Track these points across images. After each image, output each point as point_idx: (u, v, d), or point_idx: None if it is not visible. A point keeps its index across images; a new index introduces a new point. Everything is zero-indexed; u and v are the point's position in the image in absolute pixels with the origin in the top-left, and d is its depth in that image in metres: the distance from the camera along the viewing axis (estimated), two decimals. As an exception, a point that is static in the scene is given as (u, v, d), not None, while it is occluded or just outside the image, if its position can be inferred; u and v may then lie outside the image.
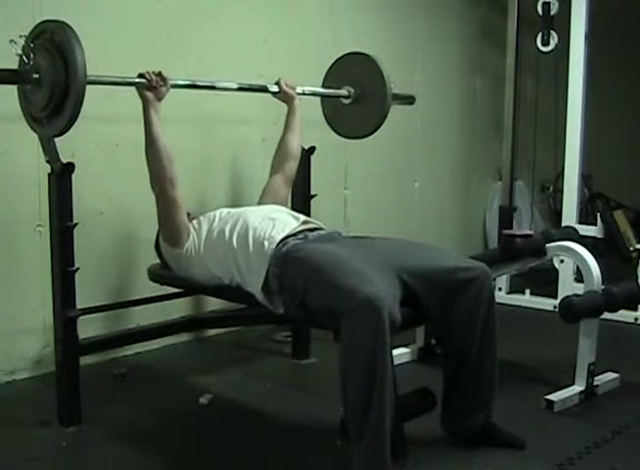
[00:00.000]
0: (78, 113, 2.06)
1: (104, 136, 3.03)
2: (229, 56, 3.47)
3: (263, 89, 2.79)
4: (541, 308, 3.97)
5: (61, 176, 2.30)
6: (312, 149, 3.05)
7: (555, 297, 3.84)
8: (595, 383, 2.69)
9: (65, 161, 2.30)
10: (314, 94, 2.93)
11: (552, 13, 4.02)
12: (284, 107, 3.11)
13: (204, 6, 3.36)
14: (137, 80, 2.33)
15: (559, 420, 2.51)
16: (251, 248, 2.29)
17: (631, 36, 5.74)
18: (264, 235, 2.28)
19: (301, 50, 3.80)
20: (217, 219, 2.48)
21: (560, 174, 4.34)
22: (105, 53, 3.01)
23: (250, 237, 2.31)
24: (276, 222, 2.33)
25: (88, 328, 2.61)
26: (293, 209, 2.75)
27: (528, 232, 2.96)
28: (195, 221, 2.54)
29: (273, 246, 2.24)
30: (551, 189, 5.17)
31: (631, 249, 3.92)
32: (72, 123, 2.09)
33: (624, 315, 3.50)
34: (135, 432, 2.43)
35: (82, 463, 2.27)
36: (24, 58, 2.16)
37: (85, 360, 2.62)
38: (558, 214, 4.29)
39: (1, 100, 2.75)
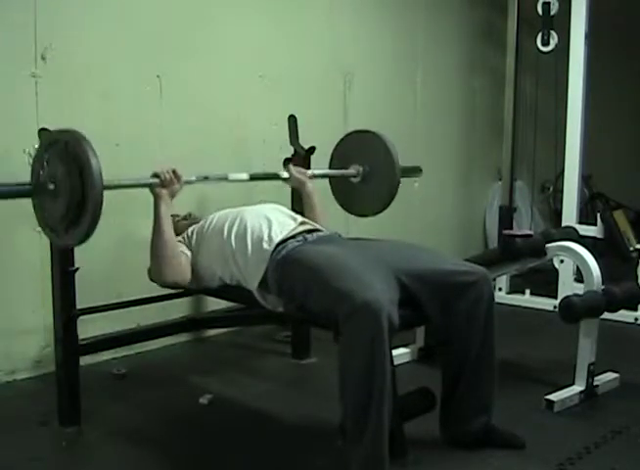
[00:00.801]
0: (97, 222, 2.01)
1: (103, 136, 3.03)
2: (229, 57, 3.47)
3: (274, 177, 2.74)
4: (541, 308, 3.97)
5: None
6: (312, 149, 3.05)
7: (555, 297, 3.84)
8: (595, 383, 2.69)
9: (64, 161, 2.30)
10: (323, 176, 2.92)
11: (552, 13, 4.02)
12: (285, 108, 3.13)
13: (203, 7, 3.36)
14: (151, 181, 2.33)
15: (559, 420, 2.51)
16: (249, 249, 2.29)
17: (631, 36, 5.74)
18: (262, 236, 2.29)
19: (302, 50, 3.80)
20: (215, 220, 2.49)
21: (560, 174, 4.34)
22: (105, 53, 3.03)
23: (248, 238, 2.31)
24: (274, 223, 2.34)
25: (88, 328, 2.60)
26: (293, 209, 2.75)
27: (528, 232, 2.96)
28: (190, 229, 2.54)
29: (272, 248, 2.24)
30: (551, 189, 5.18)
31: (631, 249, 3.92)
32: (92, 233, 2.04)
33: (624, 315, 3.50)
34: (135, 432, 2.43)
35: (82, 463, 2.27)
36: (39, 170, 2.13)
37: (85, 360, 2.63)
38: (558, 214, 4.29)
39: (1, 100, 2.76)
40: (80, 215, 2.03)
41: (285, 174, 2.71)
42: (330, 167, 2.97)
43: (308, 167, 3.06)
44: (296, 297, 2.16)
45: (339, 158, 2.96)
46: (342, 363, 1.97)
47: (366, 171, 2.87)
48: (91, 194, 1.99)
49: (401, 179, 2.86)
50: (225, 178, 2.54)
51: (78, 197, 2.02)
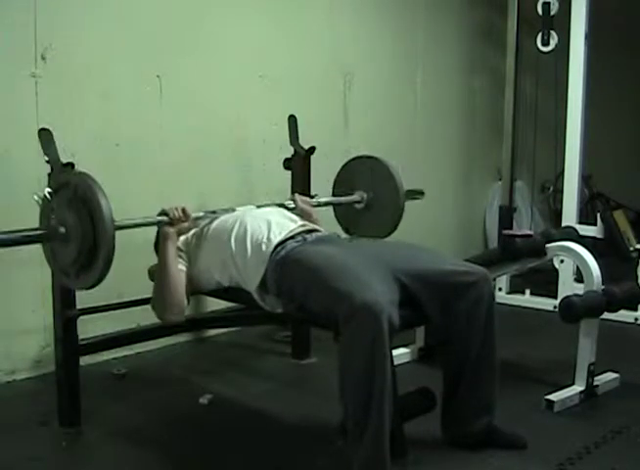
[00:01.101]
0: (110, 265, 2.02)
1: (104, 136, 3.03)
2: (228, 57, 3.47)
3: (281, 206, 2.73)
4: (541, 308, 3.97)
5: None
6: (312, 149, 3.05)
7: (555, 297, 3.83)
8: (595, 383, 2.69)
9: (65, 161, 2.30)
10: (328, 204, 2.93)
11: (552, 13, 4.02)
12: (285, 108, 3.13)
13: (203, 6, 3.36)
14: (160, 219, 2.33)
15: (559, 420, 2.51)
16: (248, 250, 2.29)
17: (631, 36, 5.74)
18: (262, 238, 2.29)
19: (302, 50, 3.80)
20: (215, 224, 2.48)
21: (560, 174, 4.34)
22: (105, 53, 3.03)
23: (247, 240, 2.31)
24: (273, 225, 2.33)
25: (88, 328, 2.60)
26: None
27: (528, 232, 2.96)
28: (192, 232, 2.54)
29: (271, 249, 2.24)
30: (551, 189, 5.17)
31: (631, 249, 3.92)
32: (105, 276, 2.05)
33: (624, 315, 3.50)
34: (135, 432, 2.43)
35: (82, 463, 2.27)
36: (50, 214, 2.13)
37: (85, 360, 2.63)
38: (558, 214, 4.29)
39: (1, 100, 2.76)
40: (93, 259, 2.04)
41: (291, 205, 2.71)
42: (333, 194, 3.00)
43: (309, 167, 3.07)
44: (295, 297, 2.16)
45: (342, 184, 2.98)
46: (342, 364, 1.97)
47: (370, 198, 2.89)
48: (103, 239, 2.00)
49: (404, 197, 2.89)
50: (232, 210, 2.54)
51: (90, 240, 2.02)
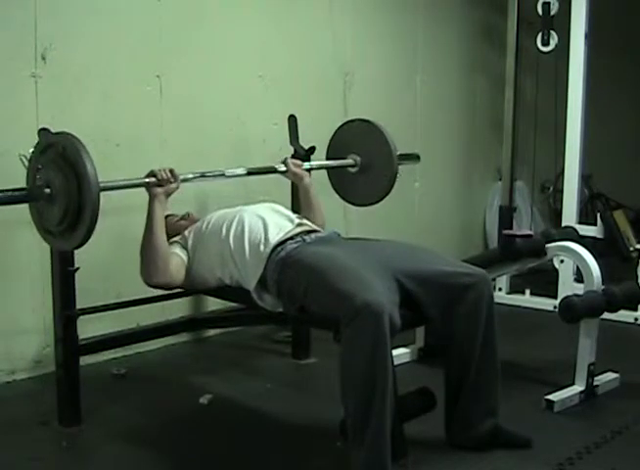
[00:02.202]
0: (94, 226, 2.01)
1: (104, 136, 3.03)
2: (228, 57, 3.47)
3: (271, 170, 2.71)
4: (541, 308, 3.97)
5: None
6: (312, 149, 3.05)
7: (555, 297, 3.83)
8: (595, 383, 2.69)
9: (65, 161, 2.29)
10: (322, 167, 2.90)
11: (552, 13, 4.02)
12: (285, 108, 3.12)
13: (203, 6, 3.36)
14: (148, 180, 2.32)
15: (559, 420, 2.51)
16: (246, 250, 2.30)
17: (631, 36, 5.74)
18: (260, 238, 2.29)
19: (302, 50, 3.80)
20: (213, 221, 2.48)
21: (560, 174, 4.34)
22: (105, 53, 3.03)
23: (245, 239, 2.32)
24: (270, 225, 2.34)
25: (88, 328, 2.60)
26: (292, 210, 2.74)
27: (528, 232, 2.96)
28: (188, 229, 2.54)
29: (269, 249, 2.25)
30: (551, 189, 5.17)
31: (631, 249, 3.92)
32: (90, 236, 2.04)
33: (624, 315, 3.49)
34: (135, 432, 2.43)
35: (82, 463, 2.27)
36: (35, 174, 2.12)
37: (85, 360, 2.62)
38: (558, 214, 4.29)
39: (1, 100, 2.76)
40: (78, 219, 2.03)
41: (282, 167, 2.70)
42: (327, 158, 2.96)
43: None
44: (296, 298, 2.16)
45: (335, 148, 2.95)
46: (342, 364, 1.97)
47: (364, 161, 2.86)
48: (88, 198, 1.99)
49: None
50: (222, 174, 2.53)
51: (75, 200, 2.01)
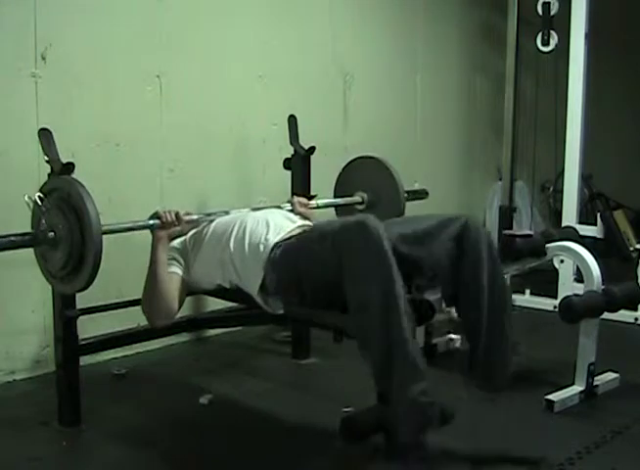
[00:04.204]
0: (98, 268, 2.03)
1: (104, 136, 3.03)
2: (228, 57, 3.47)
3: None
4: (541, 308, 3.97)
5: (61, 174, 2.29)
6: (312, 149, 3.05)
7: (555, 297, 3.83)
8: (595, 383, 2.69)
9: (65, 161, 2.30)
10: (329, 205, 2.92)
11: (552, 13, 4.02)
12: (285, 109, 3.13)
13: (203, 7, 3.36)
14: (152, 223, 2.31)
15: (559, 420, 2.51)
16: (246, 251, 2.29)
17: (631, 36, 5.74)
18: (260, 239, 2.29)
19: (302, 50, 3.80)
20: (214, 225, 2.48)
21: (560, 174, 4.34)
22: (105, 53, 3.03)
23: (246, 241, 2.31)
24: (272, 225, 2.34)
25: (88, 328, 2.61)
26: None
27: (528, 232, 2.96)
28: (191, 232, 2.54)
29: (268, 249, 2.25)
30: (551, 189, 5.17)
31: (631, 249, 3.92)
32: (93, 280, 2.06)
33: (624, 315, 3.49)
34: (135, 432, 2.43)
35: (82, 463, 2.27)
36: (40, 219, 2.13)
37: (85, 360, 2.62)
38: (558, 214, 4.29)
39: (1, 100, 2.76)
40: (81, 265, 2.05)
41: (288, 207, 2.68)
42: (334, 196, 3.00)
43: (309, 167, 3.07)
44: (294, 284, 2.16)
45: (343, 185, 2.99)
46: (352, 293, 1.95)
47: (371, 198, 2.89)
48: (90, 245, 2.01)
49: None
50: (226, 212, 2.53)
51: (78, 244, 2.03)
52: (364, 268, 1.92)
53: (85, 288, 2.10)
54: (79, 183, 2.07)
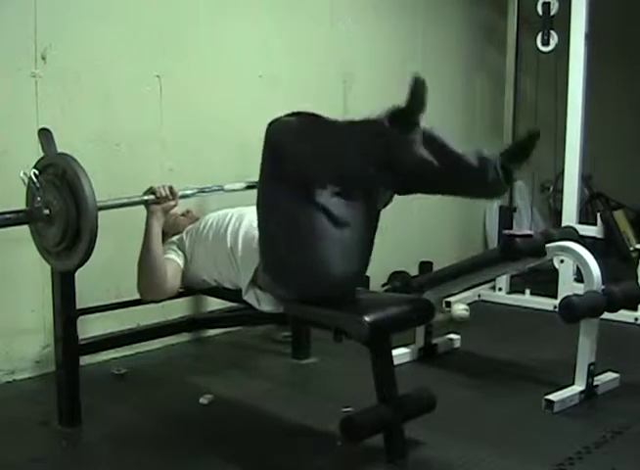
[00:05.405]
0: (94, 245, 2.04)
1: (103, 136, 3.03)
2: (228, 57, 3.47)
3: None
4: (541, 308, 3.97)
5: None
6: (312, 149, 3.05)
7: (555, 297, 3.83)
8: (595, 383, 2.69)
9: (64, 161, 2.30)
10: None
11: (552, 13, 4.02)
12: (285, 109, 3.11)
13: (203, 7, 3.36)
14: (146, 198, 2.33)
15: (559, 420, 2.51)
16: (240, 246, 2.30)
17: (631, 36, 5.74)
18: (255, 236, 2.29)
19: (301, 50, 3.80)
20: (211, 221, 2.48)
21: (560, 174, 4.34)
22: (105, 53, 3.03)
23: (240, 238, 2.32)
24: None
25: (88, 328, 2.60)
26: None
27: (528, 232, 2.96)
28: (188, 228, 2.54)
29: None
30: (551, 189, 5.17)
31: (631, 249, 3.92)
32: (89, 256, 2.07)
33: (624, 315, 3.49)
34: (135, 432, 2.43)
35: (82, 463, 2.27)
36: (35, 195, 2.14)
37: (85, 360, 2.63)
38: (558, 214, 4.29)
39: (1, 100, 2.76)
40: (76, 240, 2.04)
41: None
42: None
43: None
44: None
45: None
46: None
47: None
48: (86, 222, 2.00)
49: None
50: (221, 189, 2.54)
51: (74, 220, 2.02)
52: None
53: (80, 265, 2.09)
54: (74, 159, 2.06)
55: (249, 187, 2.63)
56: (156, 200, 2.33)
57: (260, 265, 2.21)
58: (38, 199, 2.11)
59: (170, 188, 2.34)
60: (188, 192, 2.46)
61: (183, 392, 2.77)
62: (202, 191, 2.51)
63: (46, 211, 2.08)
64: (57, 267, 2.28)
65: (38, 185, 2.11)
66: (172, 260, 2.42)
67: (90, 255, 2.05)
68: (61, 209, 2.04)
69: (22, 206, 2.26)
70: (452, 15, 4.71)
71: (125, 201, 2.33)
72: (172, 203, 2.36)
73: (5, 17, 2.74)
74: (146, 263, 2.35)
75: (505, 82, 4.27)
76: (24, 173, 2.17)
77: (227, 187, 2.56)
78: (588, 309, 2.59)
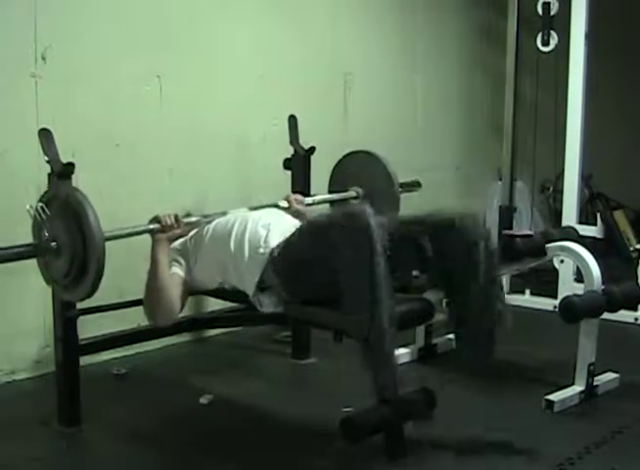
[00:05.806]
0: (101, 275, 2.04)
1: (104, 136, 3.03)
2: (228, 57, 3.47)
3: (273, 207, 2.71)
4: (541, 308, 3.97)
5: (61, 176, 2.30)
6: (312, 149, 3.05)
7: (555, 297, 3.83)
8: (595, 383, 2.69)
9: (65, 161, 2.30)
10: (325, 201, 2.93)
11: (552, 13, 4.01)
12: (285, 108, 3.13)
13: (203, 6, 3.36)
14: (152, 227, 2.34)
15: (559, 420, 2.51)
16: (246, 252, 2.30)
17: (631, 36, 5.73)
18: (260, 241, 2.30)
19: (302, 50, 3.80)
20: (214, 225, 2.48)
21: (560, 174, 4.34)
22: (105, 53, 3.03)
23: (245, 243, 2.32)
24: (272, 229, 2.34)
25: (88, 328, 2.60)
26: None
27: (528, 232, 2.96)
28: (191, 233, 2.54)
29: (267, 251, 2.26)
30: (551, 189, 5.17)
31: (631, 249, 3.92)
32: (97, 288, 2.07)
33: (624, 315, 3.49)
34: (135, 432, 2.43)
35: (82, 463, 2.27)
36: (42, 228, 2.14)
37: (85, 360, 2.62)
38: (558, 214, 4.28)
39: (1, 100, 2.76)
40: (84, 272, 2.06)
41: (284, 204, 2.70)
42: (329, 191, 3.01)
43: (309, 167, 3.07)
44: (296, 281, 2.19)
45: (337, 180, 3.00)
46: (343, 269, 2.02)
47: (366, 192, 2.90)
48: (92, 254, 2.02)
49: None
50: (224, 213, 2.55)
51: (80, 253, 2.04)
52: (352, 259, 1.98)
53: (90, 295, 2.11)
54: (79, 191, 2.08)
55: (251, 209, 2.63)
56: (161, 228, 2.33)
57: (271, 267, 2.23)
58: (45, 232, 2.12)
59: (176, 216, 2.36)
60: (193, 219, 2.47)
61: (183, 392, 2.77)
62: (205, 217, 2.52)
63: (53, 244, 2.10)
64: (66, 298, 2.30)
65: (45, 218, 2.12)
66: (177, 275, 2.42)
67: (98, 285, 2.07)
68: (67, 241, 2.06)
69: (22, 205, 2.26)
70: (452, 15, 4.71)
71: (131, 230, 2.34)
72: (178, 231, 2.37)
73: (5, 17, 2.74)
74: (155, 292, 2.34)
75: (505, 82, 4.26)
76: (31, 206, 2.18)
77: (230, 211, 2.57)
78: (588, 309, 2.59)
